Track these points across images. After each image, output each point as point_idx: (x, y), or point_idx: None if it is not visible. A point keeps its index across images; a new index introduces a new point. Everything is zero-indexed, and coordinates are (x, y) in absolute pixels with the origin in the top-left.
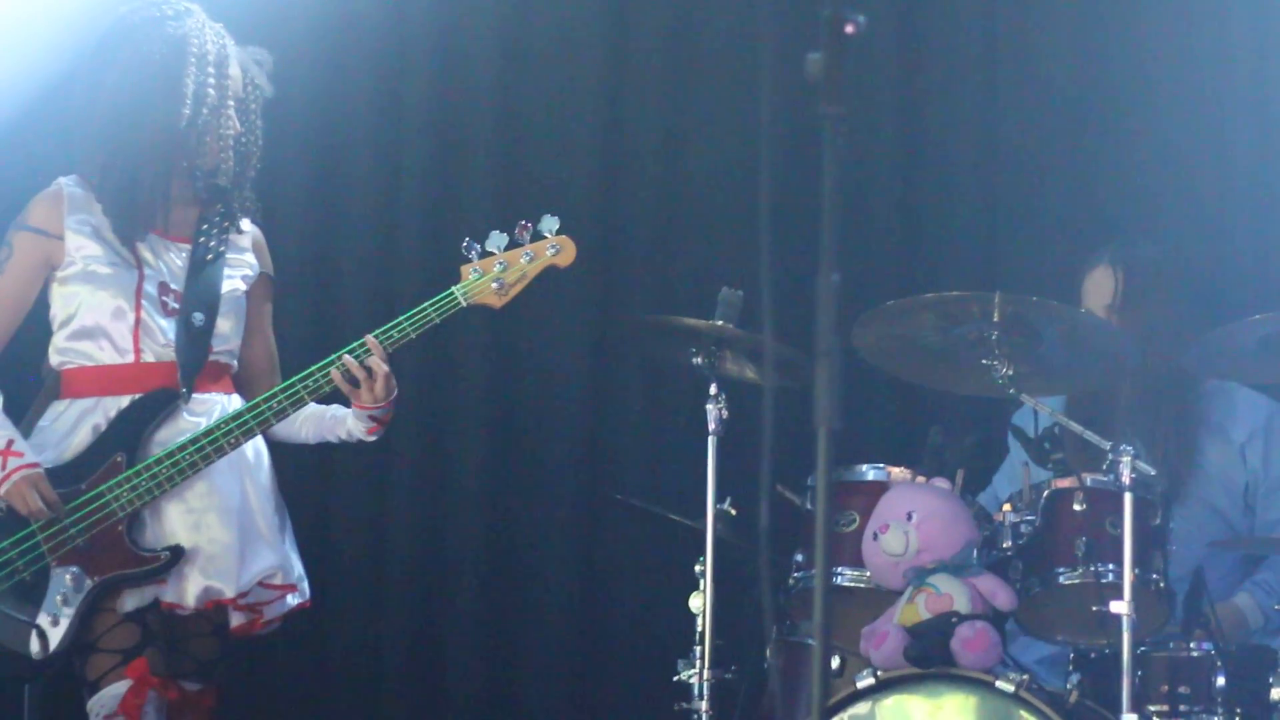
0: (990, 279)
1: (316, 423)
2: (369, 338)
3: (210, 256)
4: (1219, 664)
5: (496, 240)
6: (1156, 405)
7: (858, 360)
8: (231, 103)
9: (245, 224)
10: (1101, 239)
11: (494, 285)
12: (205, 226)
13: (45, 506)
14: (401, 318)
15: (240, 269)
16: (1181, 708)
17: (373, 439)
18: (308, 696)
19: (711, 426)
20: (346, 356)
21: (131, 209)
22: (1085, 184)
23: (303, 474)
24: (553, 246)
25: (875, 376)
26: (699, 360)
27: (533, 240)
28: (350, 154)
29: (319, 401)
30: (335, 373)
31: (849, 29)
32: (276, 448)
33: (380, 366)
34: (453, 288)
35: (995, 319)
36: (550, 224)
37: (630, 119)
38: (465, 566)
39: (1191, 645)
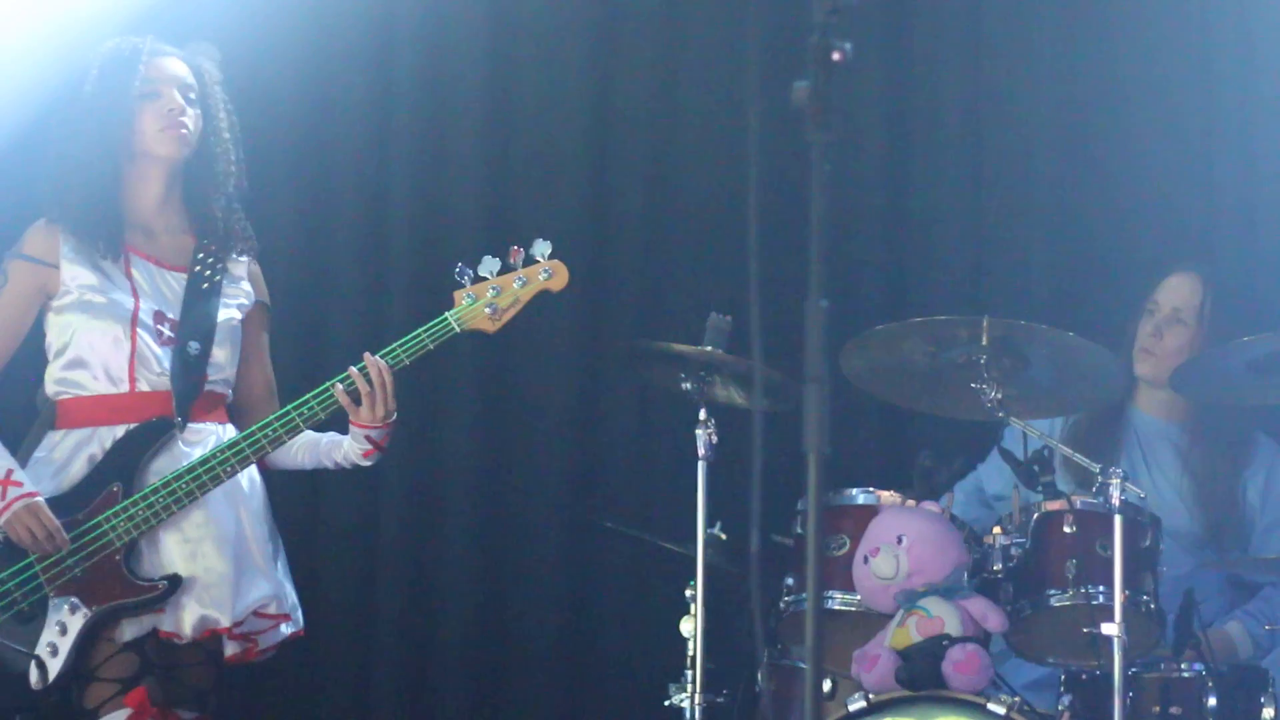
0: (978, 303)
1: (313, 449)
2: (368, 355)
3: (206, 285)
4: (1210, 685)
5: (489, 265)
6: (1219, 452)
7: (847, 385)
8: (168, 87)
9: (240, 253)
10: (1088, 263)
11: (487, 310)
12: (201, 255)
13: (49, 534)
14: (395, 344)
15: (236, 298)
16: None
17: (368, 463)
18: None
19: (701, 451)
20: (353, 370)
21: (95, 208)
22: (1072, 208)
23: (292, 502)
24: (545, 270)
25: (864, 401)
26: (688, 385)
27: (525, 265)
28: (338, 180)
29: (314, 428)
30: (339, 387)
31: (836, 57)
32: (266, 476)
33: (380, 376)
34: (446, 313)
35: (983, 343)
36: (543, 248)
37: (619, 144)
38: (455, 593)
39: (1183, 666)
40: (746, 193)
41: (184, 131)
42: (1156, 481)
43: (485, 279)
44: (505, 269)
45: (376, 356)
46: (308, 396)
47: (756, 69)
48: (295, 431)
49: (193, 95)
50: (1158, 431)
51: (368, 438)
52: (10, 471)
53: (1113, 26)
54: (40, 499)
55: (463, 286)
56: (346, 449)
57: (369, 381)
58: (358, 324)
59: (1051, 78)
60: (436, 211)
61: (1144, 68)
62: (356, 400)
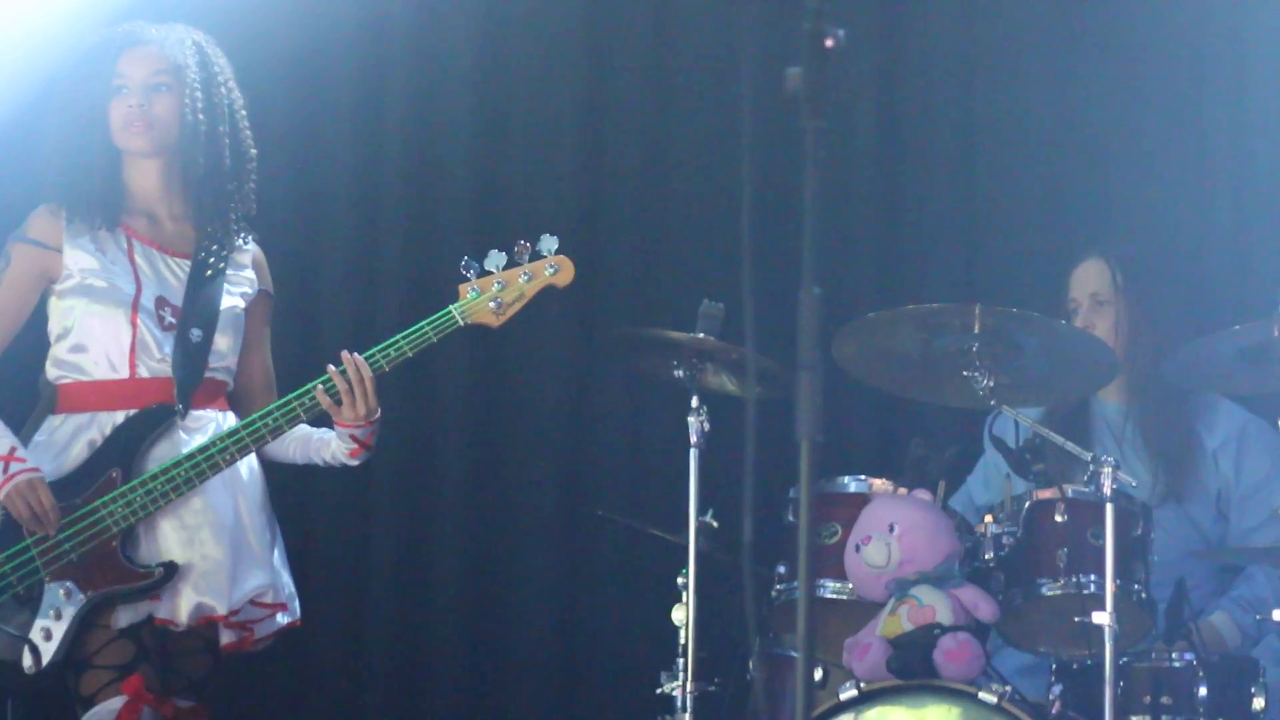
0: (970, 291)
1: (304, 444)
2: (345, 354)
3: (210, 273)
4: (1201, 674)
5: (495, 259)
6: (1158, 407)
7: (839, 372)
8: (134, 82)
9: (245, 241)
10: (1081, 248)
11: (491, 304)
12: (205, 243)
13: (45, 511)
14: (399, 336)
15: (240, 286)
16: (1164, 718)
17: (355, 463)
18: (293, 714)
19: (693, 439)
20: (331, 369)
21: (96, 185)
22: (1065, 195)
23: (284, 491)
24: (551, 266)
25: (857, 388)
26: (680, 373)
27: (531, 260)
28: (330, 174)
29: (314, 421)
30: (319, 388)
31: (829, 43)
32: (264, 465)
33: (359, 374)
34: (450, 306)
35: (975, 331)
36: (549, 244)
37: (611, 133)
38: (447, 581)
39: (1174, 655)
40: (739, 179)
41: (143, 127)
42: (1131, 465)
43: (491, 273)
44: (511, 264)
45: (357, 354)
46: (309, 386)
47: (750, 55)
48: (296, 421)
49: (164, 83)
50: (1123, 415)
51: (352, 437)
52: (14, 449)
53: (1105, 16)
54: (41, 475)
55: (468, 280)
56: (334, 448)
57: (348, 380)
58: (352, 315)
59: (1044, 64)
60: (429, 201)
61: (1137, 54)
62: (337, 400)
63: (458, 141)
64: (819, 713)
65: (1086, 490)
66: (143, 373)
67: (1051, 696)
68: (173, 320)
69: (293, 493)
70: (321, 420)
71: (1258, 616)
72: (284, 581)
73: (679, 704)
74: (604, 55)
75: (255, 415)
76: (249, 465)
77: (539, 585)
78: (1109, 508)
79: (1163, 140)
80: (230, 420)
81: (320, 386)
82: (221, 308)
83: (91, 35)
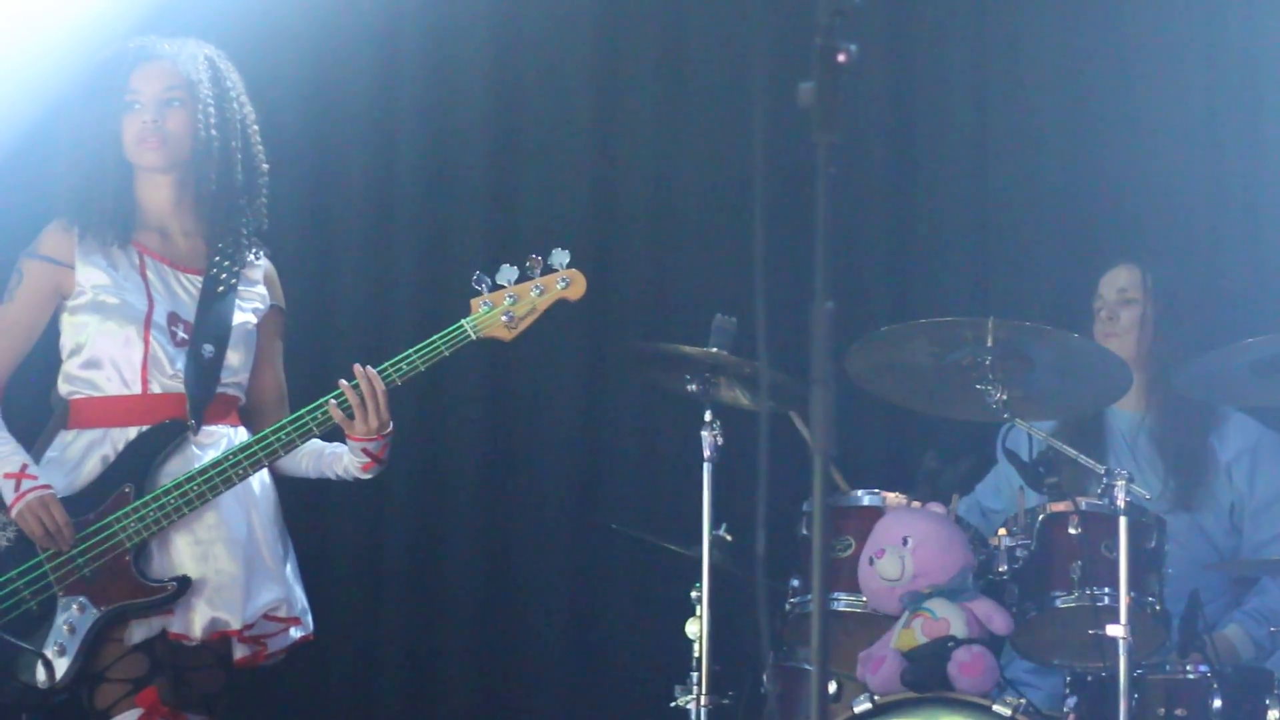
0: (983, 304)
1: (316, 458)
2: (358, 367)
3: (221, 288)
4: (1215, 686)
5: (507, 273)
6: (1173, 411)
7: (852, 386)
8: (147, 97)
9: (257, 256)
10: (1093, 264)
11: (503, 318)
12: (217, 258)
13: (58, 528)
14: (410, 350)
15: (251, 301)
16: None
17: (368, 476)
18: None
19: (706, 453)
20: (343, 383)
21: (108, 201)
22: (1078, 209)
23: (298, 504)
24: (563, 280)
25: (870, 402)
26: (693, 387)
27: (543, 274)
28: (343, 188)
29: (323, 437)
30: (332, 403)
31: (841, 58)
32: (276, 479)
33: (371, 387)
34: (462, 320)
35: (989, 344)
36: (561, 257)
37: (623, 147)
38: (461, 595)
39: (1188, 668)
40: (752, 194)
41: (157, 143)
42: (1145, 475)
43: (503, 287)
44: (523, 278)
45: (369, 367)
46: (321, 401)
47: (762, 70)
48: (308, 435)
49: (177, 98)
50: (1136, 424)
51: (365, 450)
52: (25, 465)
53: (1118, 29)
54: (53, 492)
55: (480, 294)
56: (346, 462)
57: (360, 394)
58: (364, 329)
59: (1056, 78)
60: (442, 214)
61: (1150, 69)
62: (350, 414)
63: (470, 156)
64: None
65: (1100, 503)
66: (155, 388)
67: (1066, 709)
68: (185, 336)
69: (305, 506)
70: (334, 434)
71: (1271, 629)
72: (297, 595)
73: (693, 717)
74: (616, 69)
75: (267, 430)
76: (261, 480)
77: (552, 599)
78: (1123, 520)
79: (1176, 154)
80: (243, 435)
81: (333, 401)
82: (233, 323)
83: (104, 50)
